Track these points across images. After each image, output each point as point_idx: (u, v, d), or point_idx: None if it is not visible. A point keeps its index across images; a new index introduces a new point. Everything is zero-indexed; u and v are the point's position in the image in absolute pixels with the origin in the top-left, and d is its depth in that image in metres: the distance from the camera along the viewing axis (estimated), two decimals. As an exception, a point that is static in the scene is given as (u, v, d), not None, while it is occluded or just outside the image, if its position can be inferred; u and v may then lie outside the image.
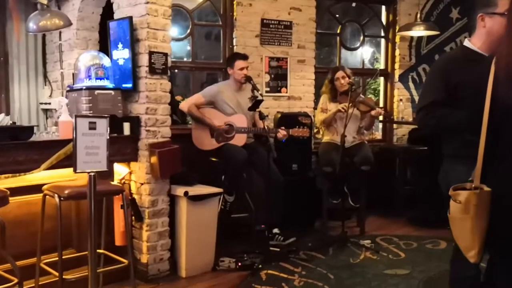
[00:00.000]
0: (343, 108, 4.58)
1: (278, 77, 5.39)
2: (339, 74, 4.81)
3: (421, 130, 5.79)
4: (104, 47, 3.94)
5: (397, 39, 6.20)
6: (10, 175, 2.94)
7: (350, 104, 4.40)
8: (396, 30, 6.11)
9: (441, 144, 2.36)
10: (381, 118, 5.54)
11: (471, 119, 1.94)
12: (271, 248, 4.14)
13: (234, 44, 5.17)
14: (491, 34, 2.15)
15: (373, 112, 4.65)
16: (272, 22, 5.31)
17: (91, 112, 3.32)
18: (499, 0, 2.11)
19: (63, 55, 4.34)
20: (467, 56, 2.25)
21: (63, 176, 3.16)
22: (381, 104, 6.39)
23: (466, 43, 2.34)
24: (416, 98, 6.32)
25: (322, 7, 5.78)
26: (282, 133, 4.23)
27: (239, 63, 4.33)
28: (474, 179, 1.85)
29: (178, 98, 4.92)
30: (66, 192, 2.73)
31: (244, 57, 4.41)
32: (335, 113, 4.73)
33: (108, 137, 2.51)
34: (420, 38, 6.25)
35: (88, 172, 2.49)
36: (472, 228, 1.81)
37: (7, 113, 4.19)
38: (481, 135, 1.83)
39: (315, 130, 5.30)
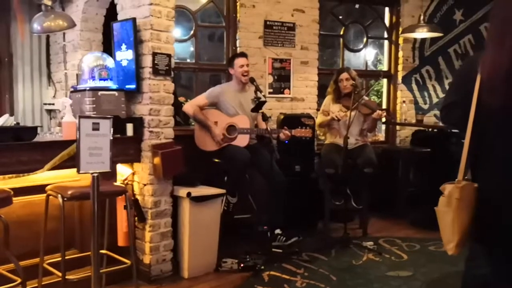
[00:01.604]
0: (336, 116, 4.64)
1: (281, 78, 5.39)
2: (343, 75, 4.81)
3: (424, 132, 5.88)
4: (108, 48, 3.96)
5: (400, 40, 6.20)
6: (13, 175, 2.95)
7: (353, 106, 4.40)
8: (400, 32, 6.10)
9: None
10: (383, 120, 5.54)
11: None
12: (273, 249, 4.14)
13: (237, 45, 5.18)
14: None
15: (374, 115, 4.65)
16: (275, 23, 5.32)
17: (95, 113, 3.32)
18: None
19: (67, 56, 4.36)
20: None
21: (67, 177, 3.17)
22: (384, 106, 6.39)
23: None
24: (419, 100, 6.34)
25: (325, 8, 5.78)
26: (284, 133, 4.23)
27: (238, 61, 4.36)
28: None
29: (181, 99, 4.94)
30: (69, 192, 2.74)
31: (243, 54, 4.45)
32: (329, 120, 4.77)
33: (111, 138, 2.52)
34: (423, 40, 6.24)
35: (92, 173, 2.50)
36: (452, 221, 1.85)
37: (11, 114, 4.20)
38: (467, 132, 1.85)
39: (318, 132, 5.31)
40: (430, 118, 6.20)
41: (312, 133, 4.44)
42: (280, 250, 4.19)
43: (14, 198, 2.68)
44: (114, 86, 3.54)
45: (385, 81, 6.42)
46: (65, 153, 3.05)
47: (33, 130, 3.20)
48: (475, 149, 1.87)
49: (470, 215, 1.85)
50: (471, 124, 1.85)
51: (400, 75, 6.23)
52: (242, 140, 4.28)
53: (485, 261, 2.02)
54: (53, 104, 4.52)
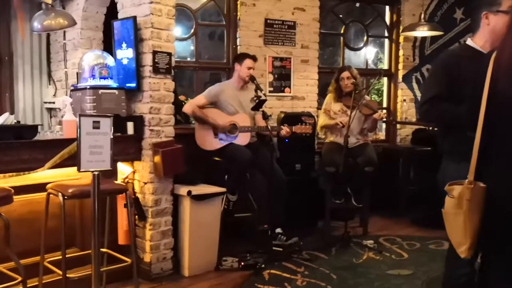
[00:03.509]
0: (341, 122, 4.66)
1: (282, 77, 5.39)
2: (345, 74, 4.81)
3: (425, 131, 5.87)
4: (108, 46, 3.95)
5: (401, 39, 6.20)
6: (14, 173, 2.95)
7: (353, 106, 4.40)
8: (400, 31, 6.10)
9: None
10: (384, 119, 5.54)
11: (470, 115, 1.97)
12: (274, 248, 4.14)
13: (238, 44, 5.17)
14: (494, 32, 2.18)
15: (375, 116, 4.66)
16: (276, 22, 5.32)
17: (95, 111, 3.32)
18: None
19: (68, 55, 4.35)
20: (469, 54, 2.29)
21: (67, 175, 3.16)
22: (385, 104, 6.39)
23: (469, 42, 2.38)
24: (420, 98, 6.30)
25: (326, 7, 5.78)
26: (285, 129, 4.24)
27: (248, 62, 4.36)
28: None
29: (182, 97, 4.93)
30: (70, 191, 2.74)
31: (254, 58, 4.45)
32: (333, 124, 4.79)
33: (112, 136, 2.52)
34: (424, 39, 6.24)
35: (92, 171, 2.49)
36: (464, 223, 1.82)
37: (12, 112, 4.21)
38: (477, 131, 1.84)
39: (319, 132, 5.30)
40: (431, 117, 6.19)
41: (312, 129, 4.45)
42: (281, 249, 4.19)
43: (14, 197, 2.68)
44: (115, 85, 3.53)
45: (385, 79, 6.42)
46: (65, 151, 3.05)
47: (33, 129, 3.21)
48: (484, 148, 1.85)
49: (480, 216, 1.82)
50: (481, 124, 1.84)
51: (400, 74, 6.23)
52: (243, 139, 4.28)
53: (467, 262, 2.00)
54: (53, 102, 4.51)
